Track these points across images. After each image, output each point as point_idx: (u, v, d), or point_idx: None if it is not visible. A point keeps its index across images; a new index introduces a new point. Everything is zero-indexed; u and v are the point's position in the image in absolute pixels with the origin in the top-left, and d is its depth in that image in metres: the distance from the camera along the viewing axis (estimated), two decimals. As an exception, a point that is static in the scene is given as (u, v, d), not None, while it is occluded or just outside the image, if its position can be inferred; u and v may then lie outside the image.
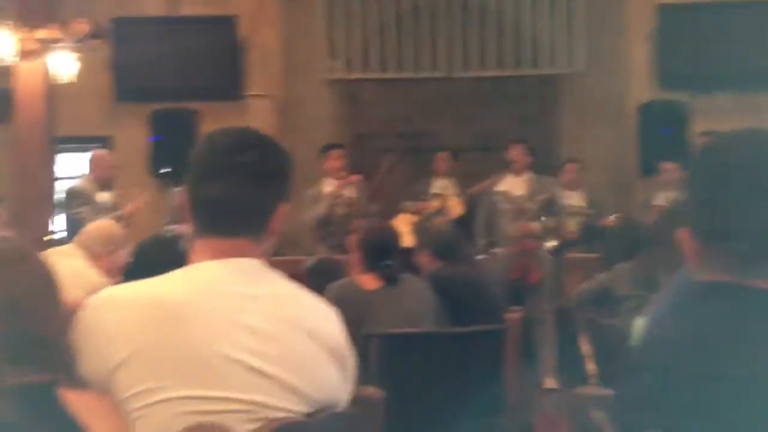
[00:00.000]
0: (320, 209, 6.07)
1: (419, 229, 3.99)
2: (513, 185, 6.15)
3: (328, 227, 6.09)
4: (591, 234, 6.75)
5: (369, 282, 3.37)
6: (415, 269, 4.01)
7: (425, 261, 3.90)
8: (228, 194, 1.51)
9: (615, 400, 1.33)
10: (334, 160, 6.17)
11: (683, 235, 1.26)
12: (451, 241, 3.88)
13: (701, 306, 1.21)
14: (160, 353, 1.40)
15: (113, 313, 1.44)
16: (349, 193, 6.17)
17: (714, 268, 1.21)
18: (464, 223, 6.77)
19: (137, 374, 1.39)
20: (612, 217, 6.71)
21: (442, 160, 7.20)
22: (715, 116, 7.41)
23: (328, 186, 6.17)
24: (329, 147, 6.39)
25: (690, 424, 1.10)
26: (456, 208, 7.06)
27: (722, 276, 1.19)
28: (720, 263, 1.20)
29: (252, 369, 1.41)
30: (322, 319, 1.56)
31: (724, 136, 1.29)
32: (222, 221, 1.52)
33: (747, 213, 1.17)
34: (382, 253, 3.41)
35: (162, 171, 7.73)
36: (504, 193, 6.15)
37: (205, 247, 1.52)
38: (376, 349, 3.13)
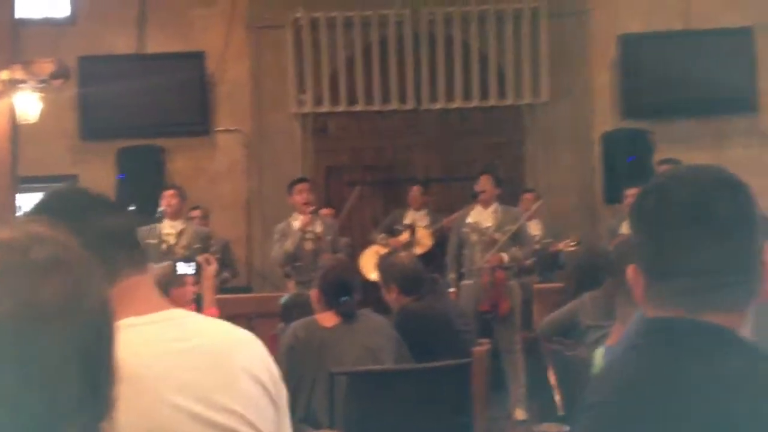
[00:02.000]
0: (288, 244, 6.05)
1: (383, 265, 3.98)
2: (481, 217, 6.19)
3: (296, 262, 6.07)
4: (544, 262, 6.81)
5: (327, 319, 3.39)
6: (384, 305, 4.00)
7: (392, 297, 3.90)
8: None
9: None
10: (300, 194, 6.16)
11: (631, 271, 1.28)
12: (417, 276, 3.88)
13: (645, 342, 1.22)
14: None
15: None
16: (318, 227, 6.16)
17: (659, 304, 1.23)
18: (435, 255, 6.79)
19: None
20: (563, 243, 6.77)
21: (414, 192, 7.26)
22: (677, 143, 7.54)
23: (296, 221, 6.15)
24: (296, 181, 6.39)
25: None
26: (425, 240, 7.08)
27: (667, 312, 1.21)
28: (665, 299, 1.22)
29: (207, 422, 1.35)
30: (257, 357, 1.47)
31: (666, 174, 1.32)
32: (137, 252, 1.43)
33: (689, 250, 1.19)
34: (339, 290, 3.42)
35: (129, 208, 7.67)
36: (473, 225, 6.18)
37: (129, 287, 1.37)
38: (341, 386, 3.11)
